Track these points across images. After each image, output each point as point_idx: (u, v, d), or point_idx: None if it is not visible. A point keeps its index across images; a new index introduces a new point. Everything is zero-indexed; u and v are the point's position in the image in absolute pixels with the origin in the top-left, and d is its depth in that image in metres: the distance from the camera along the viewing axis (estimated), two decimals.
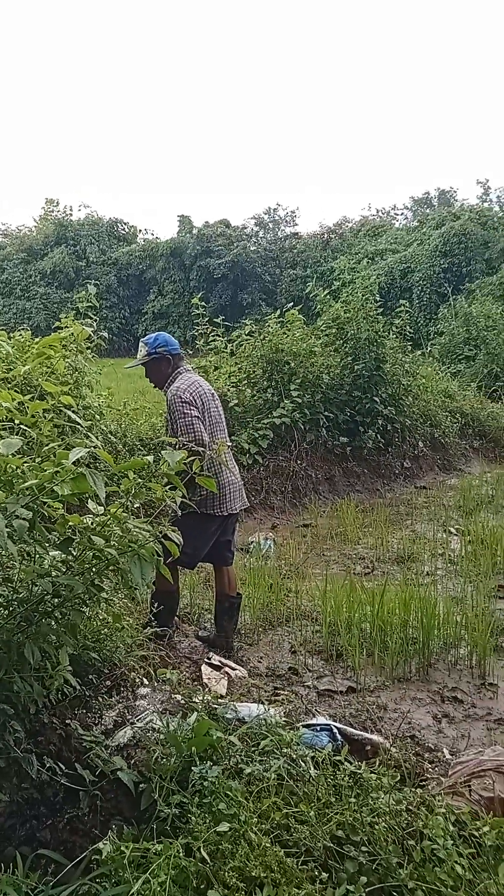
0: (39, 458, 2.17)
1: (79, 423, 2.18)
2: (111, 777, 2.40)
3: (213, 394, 4.15)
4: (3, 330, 5.84)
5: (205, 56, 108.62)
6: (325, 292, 10.44)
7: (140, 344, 4.17)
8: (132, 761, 2.49)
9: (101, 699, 2.83)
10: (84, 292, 6.56)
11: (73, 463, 1.99)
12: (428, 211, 36.78)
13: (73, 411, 2.31)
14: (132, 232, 41.62)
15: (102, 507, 2.32)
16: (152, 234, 41.81)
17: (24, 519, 1.88)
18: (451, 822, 2.23)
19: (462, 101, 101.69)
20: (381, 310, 9.97)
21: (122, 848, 2.04)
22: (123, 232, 41.05)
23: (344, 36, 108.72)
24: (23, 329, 6.74)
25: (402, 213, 41.18)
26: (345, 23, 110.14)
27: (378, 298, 10.12)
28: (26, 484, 1.95)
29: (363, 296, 9.94)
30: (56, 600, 2.28)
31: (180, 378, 4.05)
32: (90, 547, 2.20)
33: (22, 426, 2.20)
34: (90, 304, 6.54)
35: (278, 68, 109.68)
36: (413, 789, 2.38)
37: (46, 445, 2.22)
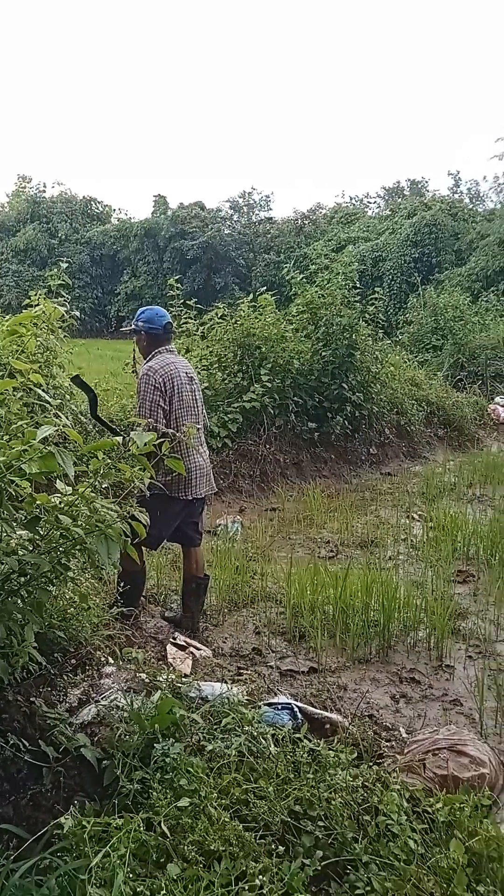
0: (7, 436, 2.17)
1: (48, 402, 2.18)
2: (75, 754, 2.42)
3: (190, 377, 4.13)
4: None
5: (185, 42, 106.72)
6: (301, 276, 10.42)
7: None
8: (96, 738, 2.52)
9: (65, 677, 2.84)
10: (56, 270, 6.44)
11: (42, 441, 1.99)
12: (399, 200, 36.87)
13: (44, 390, 2.30)
14: (106, 211, 41.04)
15: (70, 487, 2.32)
16: (126, 214, 41.30)
17: None
18: (406, 798, 2.30)
19: (436, 92, 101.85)
20: (358, 297, 10.01)
21: (84, 823, 2.07)
22: (97, 211, 40.46)
23: (321, 25, 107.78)
24: None
25: (374, 202, 41.25)
26: (323, 14, 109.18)
27: (357, 285, 10.13)
28: None
29: (343, 281, 9.94)
30: (22, 579, 2.28)
31: (156, 358, 4.07)
32: (57, 526, 2.21)
33: None
34: (63, 282, 6.43)
35: (257, 57, 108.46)
36: (369, 766, 2.45)
37: (15, 423, 2.21)
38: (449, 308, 16.25)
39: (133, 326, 4.19)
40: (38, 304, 5.54)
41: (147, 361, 4.12)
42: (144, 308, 4.27)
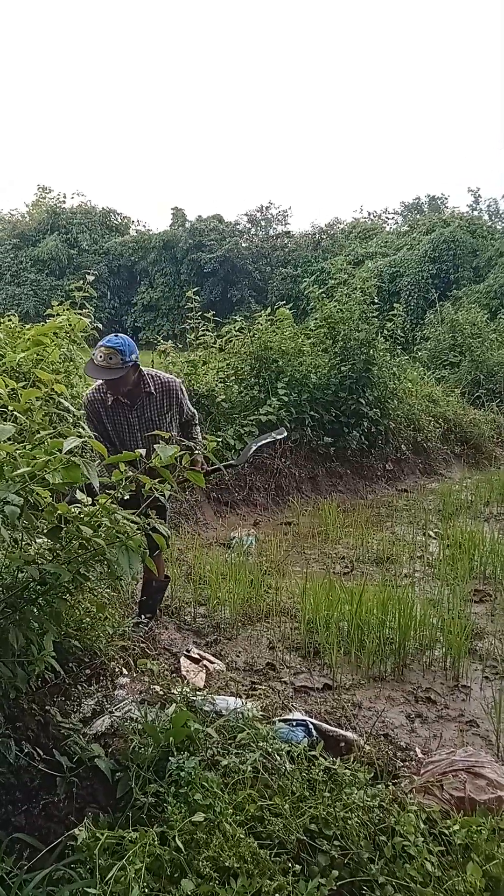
0: (30, 446, 2.18)
1: (72, 412, 2.20)
2: (88, 764, 2.42)
3: None
4: None
5: (207, 57, 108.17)
6: (320, 291, 10.44)
7: (105, 349, 3.50)
8: (109, 749, 2.51)
9: (80, 687, 2.84)
10: (81, 281, 6.45)
11: (67, 452, 2.00)
12: (418, 216, 36.92)
13: (65, 399, 2.32)
14: (125, 223, 41.43)
15: (89, 498, 2.33)
16: (145, 226, 41.69)
17: (15, 505, 1.89)
18: (423, 819, 2.27)
19: (458, 108, 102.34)
20: (377, 313, 10.02)
21: (98, 835, 2.06)
22: (116, 222, 40.85)
23: (344, 40, 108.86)
24: (11, 315, 6.70)
25: (392, 218, 41.34)
26: (346, 29, 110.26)
27: (375, 301, 10.13)
28: (19, 471, 1.96)
29: (362, 296, 9.95)
30: (41, 588, 2.29)
31: (153, 371, 3.91)
32: (78, 536, 2.21)
33: (15, 413, 2.20)
34: (87, 293, 6.46)
35: (279, 71, 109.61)
36: (386, 786, 2.43)
37: (37, 433, 2.23)
38: (467, 325, 16.21)
39: (129, 362, 3.57)
40: (60, 315, 5.59)
41: (141, 379, 3.78)
42: (117, 341, 3.57)
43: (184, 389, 4.01)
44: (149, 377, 3.84)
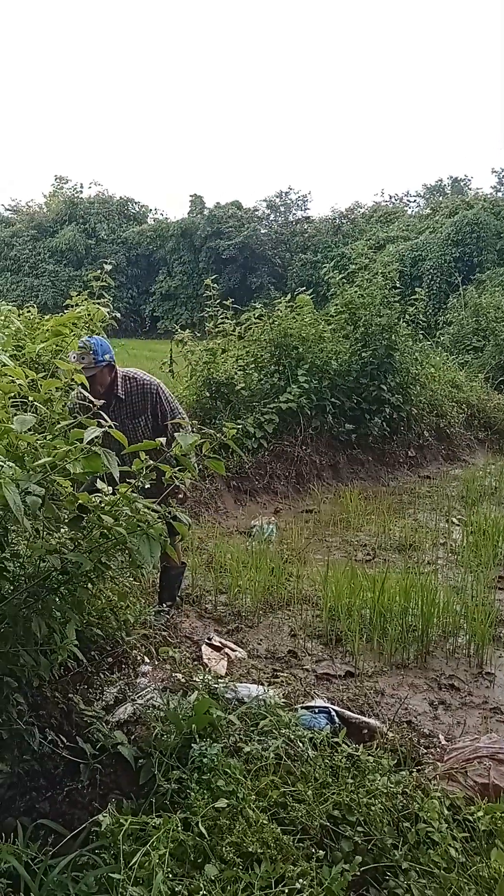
0: (51, 436, 2.19)
1: (94, 403, 2.20)
2: (111, 751, 2.44)
3: None
4: (13, 306, 5.83)
5: (222, 41, 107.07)
6: (340, 276, 10.32)
7: (79, 348, 3.57)
8: (132, 737, 2.53)
9: (102, 675, 2.87)
10: (99, 271, 6.44)
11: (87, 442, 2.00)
12: (441, 199, 36.32)
13: (85, 389, 2.32)
14: (143, 211, 41.30)
15: (109, 487, 2.34)
16: (163, 214, 41.55)
17: (36, 496, 1.90)
18: (446, 806, 2.27)
19: (480, 87, 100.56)
20: (398, 297, 9.90)
21: (122, 821, 2.09)
22: (134, 211, 40.74)
23: (362, 18, 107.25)
24: (30, 306, 6.72)
25: (414, 200, 40.74)
26: (361, 8, 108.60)
27: (397, 285, 10.00)
28: (40, 461, 1.96)
29: (383, 281, 9.83)
30: (63, 577, 2.30)
31: (131, 372, 3.86)
32: (99, 525, 2.22)
33: (35, 403, 2.21)
34: (105, 283, 6.46)
35: (297, 53, 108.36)
36: (409, 773, 2.42)
37: (58, 423, 2.23)
38: (490, 309, 15.96)
39: (103, 362, 3.61)
40: (79, 305, 5.59)
41: (116, 381, 3.78)
42: (93, 340, 3.64)
43: (165, 391, 3.85)
44: (123, 379, 3.77)
